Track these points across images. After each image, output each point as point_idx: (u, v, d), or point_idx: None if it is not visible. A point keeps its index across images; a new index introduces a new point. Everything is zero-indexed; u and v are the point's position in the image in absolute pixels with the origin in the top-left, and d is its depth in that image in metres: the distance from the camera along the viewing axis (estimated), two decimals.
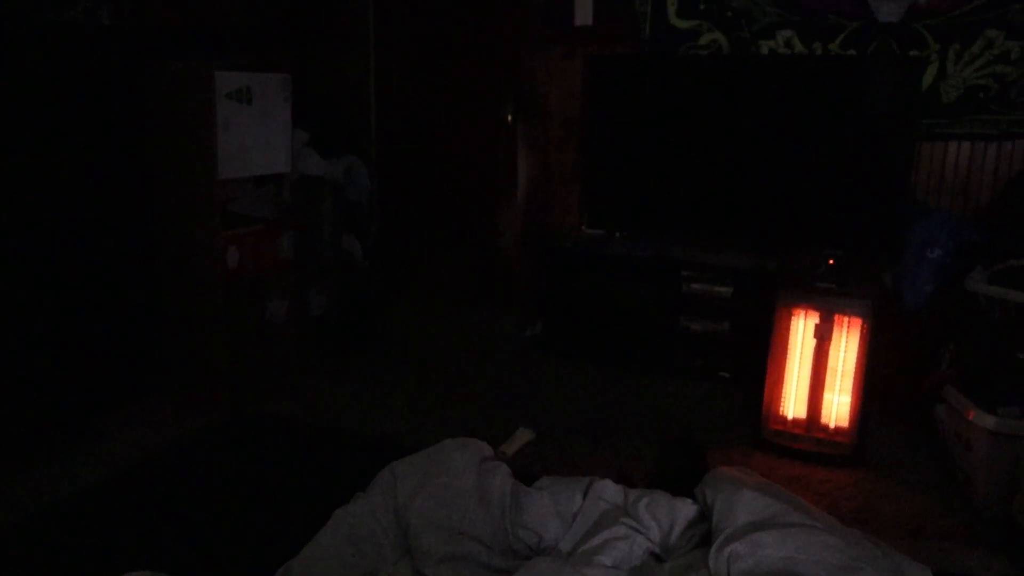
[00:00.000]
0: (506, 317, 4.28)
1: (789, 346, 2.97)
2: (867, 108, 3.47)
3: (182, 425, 3.06)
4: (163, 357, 3.32)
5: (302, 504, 2.15)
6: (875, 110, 3.46)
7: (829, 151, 3.53)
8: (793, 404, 2.98)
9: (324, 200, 3.75)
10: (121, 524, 2.27)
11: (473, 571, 1.57)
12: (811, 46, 3.64)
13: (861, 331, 2.84)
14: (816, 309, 2.90)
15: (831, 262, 2.97)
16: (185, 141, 3.12)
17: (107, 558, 1.63)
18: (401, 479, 1.75)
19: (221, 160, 3.08)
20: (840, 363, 2.91)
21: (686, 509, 1.81)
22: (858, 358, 2.86)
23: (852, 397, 2.87)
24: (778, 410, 2.99)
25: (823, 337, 2.88)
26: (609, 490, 1.85)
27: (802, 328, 2.95)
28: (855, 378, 2.86)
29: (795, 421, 2.97)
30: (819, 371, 2.91)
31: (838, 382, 2.91)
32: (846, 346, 2.89)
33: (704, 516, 1.76)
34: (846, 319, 2.87)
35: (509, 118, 4.26)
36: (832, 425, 2.91)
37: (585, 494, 1.83)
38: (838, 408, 2.91)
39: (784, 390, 2.99)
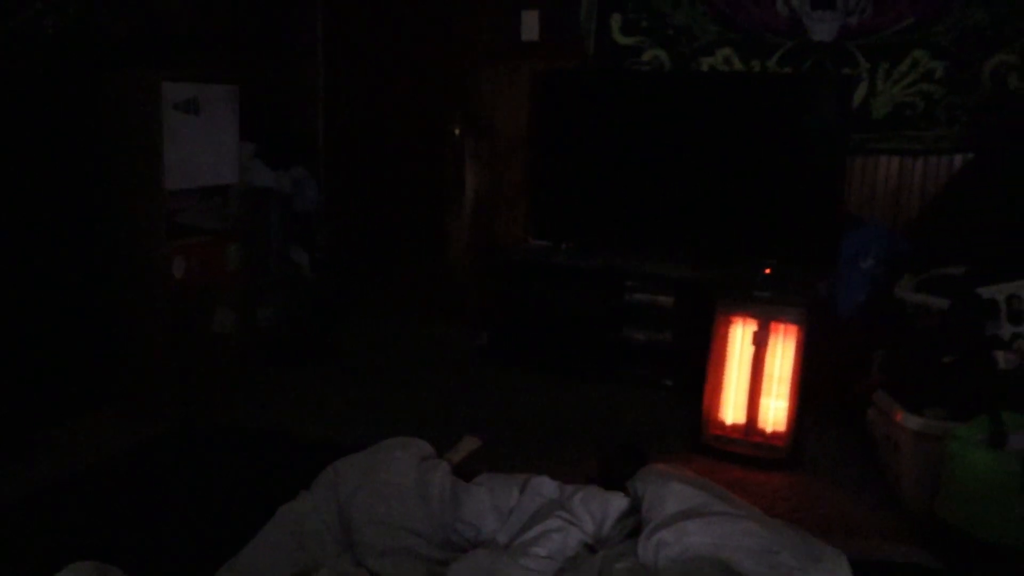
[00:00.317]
0: (454, 328, 4.32)
1: (728, 353, 3.05)
2: (802, 123, 3.60)
3: (130, 436, 3.04)
4: (114, 368, 3.30)
5: (247, 504, 2.17)
6: (810, 125, 3.58)
7: (766, 165, 3.64)
8: (732, 410, 3.05)
9: (272, 211, 3.76)
10: (67, 525, 2.26)
11: (413, 563, 1.61)
12: (749, 63, 3.77)
13: (797, 338, 2.93)
14: (754, 317, 2.99)
15: (768, 272, 3.07)
16: (132, 151, 3.12)
17: (54, 557, 1.64)
18: (343, 477, 1.78)
19: (168, 170, 3.08)
20: (777, 369, 2.99)
21: (618, 502, 1.87)
22: (794, 364, 2.94)
23: (788, 402, 2.95)
24: (717, 416, 3.06)
25: (760, 344, 2.97)
26: (546, 486, 1.90)
27: (740, 336, 3.03)
28: (791, 384, 2.94)
29: (734, 426, 3.04)
30: (756, 377, 2.99)
31: (775, 388, 2.99)
32: (782, 353, 2.97)
33: (635, 508, 1.83)
34: (782, 326, 2.96)
35: (457, 132, 4.32)
36: (769, 429, 2.99)
37: (522, 490, 1.88)
38: (775, 413, 2.99)
39: (723, 396, 3.07)
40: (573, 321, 3.81)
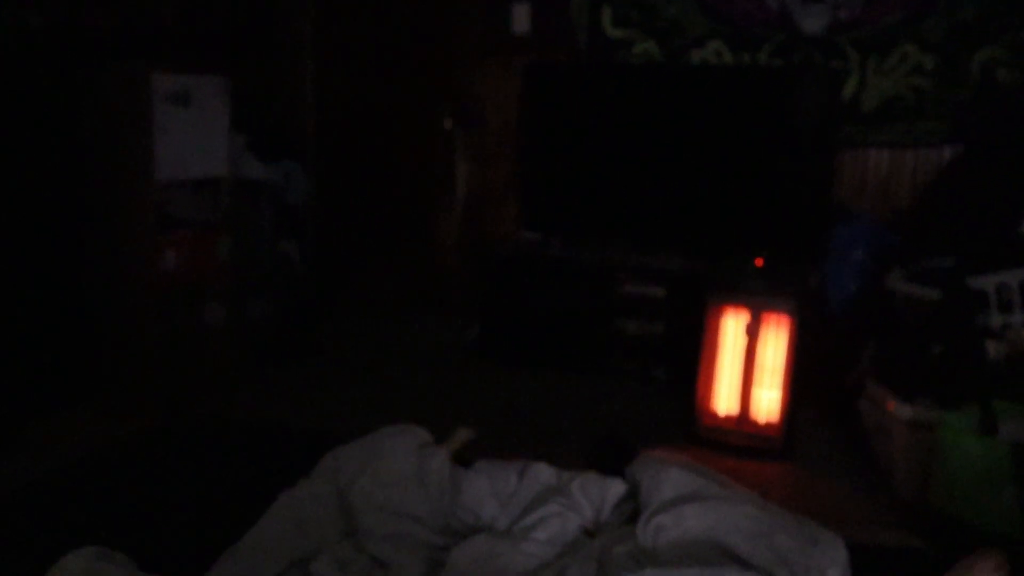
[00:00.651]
0: (445, 322, 4.32)
1: (720, 345, 3.06)
2: (792, 116, 3.61)
3: (118, 430, 3.02)
4: (98, 363, 3.27)
5: (247, 492, 2.17)
6: (800, 118, 3.60)
7: (757, 157, 3.66)
8: (724, 400, 3.07)
9: (262, 204, 3.75)
10: (65, 516, 2.25)
11: (413, 548, 1.61)
12: (739, 56, 3.78)
13: (789, 329, 2.95)
14: (745, 308, 3.00)
15: (759, 263, 3.09)
16: (121, 143, 3.10)
17: (53, 547, 1.64)
18: (343, 464, 1.79)
19: (158, 162, 3.06)
20: (769, 360, 3.00)
21: (616, 488, 1.88)
22: (786, 355, 2.96)
23: (781, 393, 2.97)
24: (710, 407, 3.07)
25: (752, 335, 2.98)
26: (544, 472, 1.91)
27: (732, 327, 3.04)
28: (783, 374, 2.96)
29: (727, 417, 3.05)
30: (749, 368, 3.01)
31: (767, 379, 3.01)
32: (774, 344, 2.99)
33: (633, 494, 1.83)
34: (774, 317, 2.97)
35: (448, 125, 4.31)
36: (762, 420, 3.01)
37: (521, 476, 1.89)
38: (768, 404, 3.00)
39: (716, 387, 3.08)
40: (564, 314, 3.81)
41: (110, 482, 2.47)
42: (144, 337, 3.19)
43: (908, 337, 2.88)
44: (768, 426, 2.99)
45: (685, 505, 1.61)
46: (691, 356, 3.11)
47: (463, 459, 2.22)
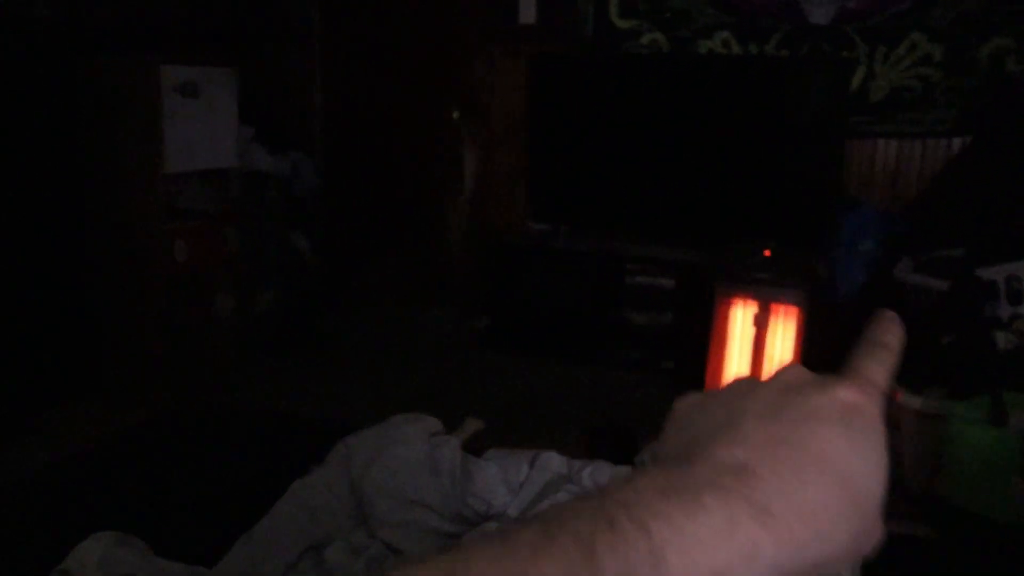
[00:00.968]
0: (453, 312, 4.33)
1: (728, 335, 3.06)
2: (800, 106, 3.61)
3: (127, 420, 3.04)
4: (103, 353, 3.29)
5: (259, 480, 2.19)
6: (808, 108, 3.60)
7: (765, 147, 3.66)
8: None
9: (270, 195, 3.76)
10: (78, 503, 2.27)
11: (425, 536, 1.62)
12: (747, 46, 3.77)
13: (797, 320, 2.95)
14: (754, 299, 3.00)
15: (767, 254, 3.08)
16: (130, 135, 3.11)
17: (67, 533, 1.66)
18: (355, 452, 1.80)
19: (167, 154, 3.07)
20: (777, 351, 3.00)
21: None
22: (794, 346, 2.96)
23: None
24: None
25: (761, 326, 2.98)
26: (554, 461, 1.91)
27: (740, 318, 3.04)
28: None
29: None
30: (757, 359, 3.01)
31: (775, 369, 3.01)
32: (783, 334, 2.99)
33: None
34: (782, 308, 2.97)
35: (455, 115, 4.31)
36: None
37: (532, 464, 1.90)
38: None
39: (724, 378, 3.08)
40: (573, 304, 3.82)
41: (124, 469, 2.50)
42: (153, 328, 3.20)
43: (917, 328, 2.86)
44: None
45: None
46: (699, 347, 3.11)
47: (473, 449, 2.23)
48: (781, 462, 0.37)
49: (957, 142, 3.58)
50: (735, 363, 3.07)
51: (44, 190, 3.14)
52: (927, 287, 2.93)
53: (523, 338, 3.94)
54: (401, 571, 0.33)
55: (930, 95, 3.57)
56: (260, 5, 4.37)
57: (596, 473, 1.88)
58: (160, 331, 3.20)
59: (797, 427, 0.38)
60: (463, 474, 1.81)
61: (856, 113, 3.64)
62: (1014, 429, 2.25)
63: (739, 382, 0.44)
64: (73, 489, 2.39)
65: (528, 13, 4.10)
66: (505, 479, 1.86)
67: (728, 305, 3.05)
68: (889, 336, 0.46)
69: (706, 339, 3.08)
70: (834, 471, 0.37)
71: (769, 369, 2.94)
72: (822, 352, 3.15)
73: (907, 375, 2.66)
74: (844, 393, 0.40)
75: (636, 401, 3.36)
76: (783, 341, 2.99)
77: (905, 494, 2.54)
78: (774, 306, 2.97)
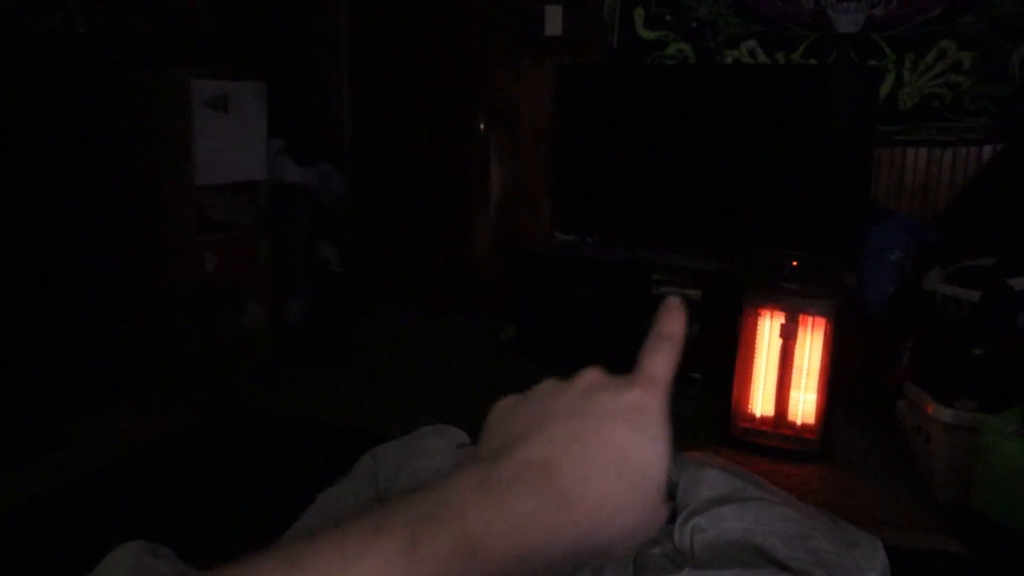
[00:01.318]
0: (480, 322, 4.34)
1: (756, 346, 3.05)
2: (828, 116, 3.59)
3: (158, 428, 3.08)
4: (137, 362, 3.34)
5: (287, 490, 2.21)
6: (836, 117, 3.57)
7: (793, 157, 3.64)
8: (761, 402, 3.05)
9: (300, 207, 3.79)
10: (108, 511, 2.30)
11: None
12: (774, 56, 3.76)
13: (825, 330, 2.93)
14: (782, 310, 2.98)
15: (795, 264, 3.07)
16: (162, 148, 3.16)
17: (100, 541, 1.68)
18: (381, 463, 1.80)
19: (198, 166, 3.12)
20: (805, 362, 2.98)
21: None
22: (823, 357, 2.94)
23: (817, 395, 2.95)
24: (746, 408, 3.06)
25: (789, 337, 2.96)
26: None
27: (768, 328, 3.03)
28: (820, 376, 2.94)
29: (763, 419, 3.04)
30: (785, 370, 2.99)
31: (804, 380, 2.99)
32: (811, 345, 2.97)
33: (670, 495, 1.83)
34: (811, 319, 2.95)
35: (481, 126, 4.34)
36: (799, 422, 2.99)
37: None
38: (804, 405, 2.99)
39: (752, 389, 3.06)
40: (599, 315, 3.82)
41: (152, 478, 2.53)
42: (184, 337, 3.25)
43: (948, 339, 2.85)
44: (804, 428, 2.97)
45: (722, 506, 1.61)
46: (727, 357, 3.10)
47: None
48: (579, 457, 0.43)
49: (988, 150, 3.54)
50: (763, 374, 3.05)
51: (79, 201, 3.20)
52: (958, 297, 2.90)
53: (549, 348, 3.94)
54: (241, 568, 0.38)
55: (960, 103, 3.54)
56: (289, 18, 4.43)
57: None
58: (191, 339, 3.24)
59: (593, 425, 0.44)
60: None
61: (885, 122, 3.61)
62: None
63: (546, 386, 0.51)
64: (104, 497, 2.42)
65: (554, 24, 4.12)
66: None
67: (756, 315, 3.03)
68: (672, 326, 0.54)
69: (733, 350, 3.07)
70: (623, 463, 0.43)
71: (796, 380, 2.93)
72: (850, 363, 3.13)
73: (937, 386, 2.64)
74: (631, 395, 0.47)
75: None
76: (811, 352, 2.97)
77: (936, 508, 2.51)
78: (802, 317, 2.95)
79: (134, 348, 3.34)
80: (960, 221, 3.51)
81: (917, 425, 2.72)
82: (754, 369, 3.06)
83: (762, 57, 3.78)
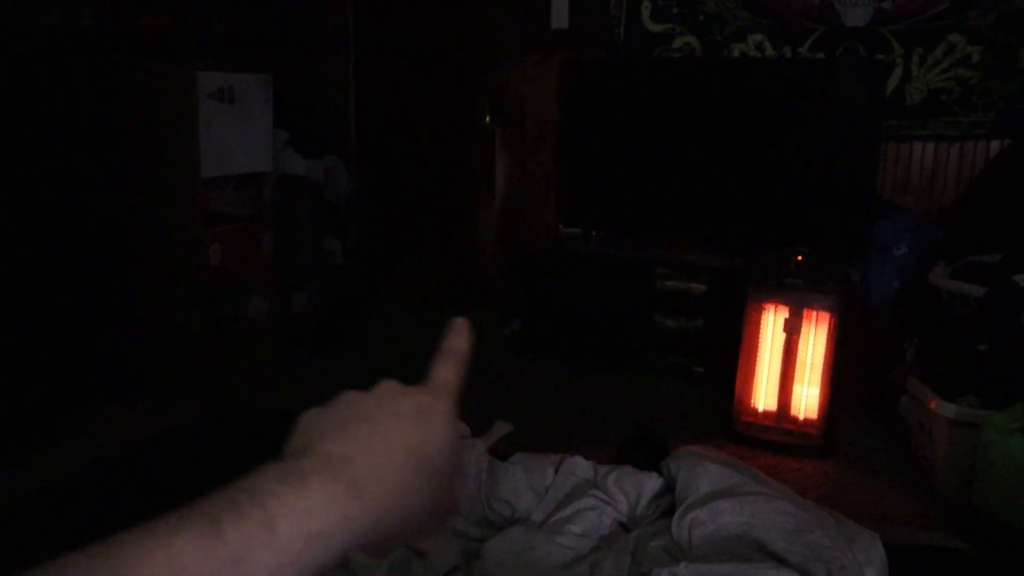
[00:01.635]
0: (484, 316, 4.34)
1: (760, 341, 3.04)
2: (835, 110, 3.57)
3: (163, 422, 3.09)
4: (143, 356, 3.35)
5: None
6: (843, 112, 3.56)
7: (798, 152, 3.62)
8: (764, 397, 3.05)
9: (305, 200, 3.80)
10: (110, 504, 2.32)
11: (450, 539, 1.64)
12: (781, 49, 3.74)
13: (829, 325, 2.92)
14: (785, 304, 2.98)
15: (800, 259, 3.06)
16: (167, 140, 3.16)
17: (107, 532, 1.70)
18: None
19: (203, 158, 3.12)
20: (809, 357, 2.98)
21: (652, 482, 1.89)
22: (826, 352, 2.93)
23: (821, 390, 2.94)
24: (749, 403, 3.06)
25: (792, 331, 2.96)
26: (580, 465, 1.92)
27: (772, 323, 3.02)
28: (823, 371, 2.93)
29: (766, 413, 3.04)
30: (789, 365, 2.99)
31: (807, 375, 2.98)
32: (815, 340, 2.96)
33: (669, 488, 1.84)
34: (815, 314, 2.94)
35: (487, 120, 4.33)
36: (801, 417, 2.98)
37: (557, 469, 1.90)
38: (807, 400, 2.98)
39: (755, 383, 3.06)
40: (604, 309, 3.82)
41: (153, 474, 2.53)
42: (190, 329, 3.26)
43: (952, 334, 2.84)
44: (807, 423, 2.97)
45: (721, 500, 1.61)
46: (730, 352, 3.10)
47: (500, 452, 2.24)
48: (373, 451, 0.48)
49: (995, 145, 3.52)
50: (766, 368, 3.05)
51: (83, 194, 3.21)
52: (963, 293, 2.89)
53: (553, 342, 3.94)
54: (52, 569, 0.41)
55: (968, 98, 3.52)
56: (295, 12, 4.43)
57: (621, 478, 1.88)
58: (196, 332, 3.25)
59: (385, 424, 0.50)
60: (489, 478, 1.83)
61: (892, 116, 3.59)
62: None
63: (346, 396, 0.55)
64: (111, 489, 2.44)
65: (560, 18, 4.11)
66: (530, 483, 1.87)
67: (760, 310, 3.03)
68: (458, 342, 0.62)
69: (737, 344, 3.06)
70: (412, 455, 0.49)
71: (799, 375, 2.93)
72: (854, 358, 3.12)
73: (941, 382, 2.63)
74: (420, 398, 0.54)
75: (666, 406, 3.35)
76: (815, 347, 2.96)
77: (938, 504, 2.51)
78: (806, 312, 2.95)
79: (136, 342, 3.35)
80: (966, 217, 3.49)
81: (920, 421, 2.72)
82: (757, 364, 3.05)
83: (769, 51, 3.76)
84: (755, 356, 3.05)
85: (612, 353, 3.81)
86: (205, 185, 3.19)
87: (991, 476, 2.28)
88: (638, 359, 3.76)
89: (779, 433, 2.98)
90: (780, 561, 1.55)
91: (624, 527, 1.82)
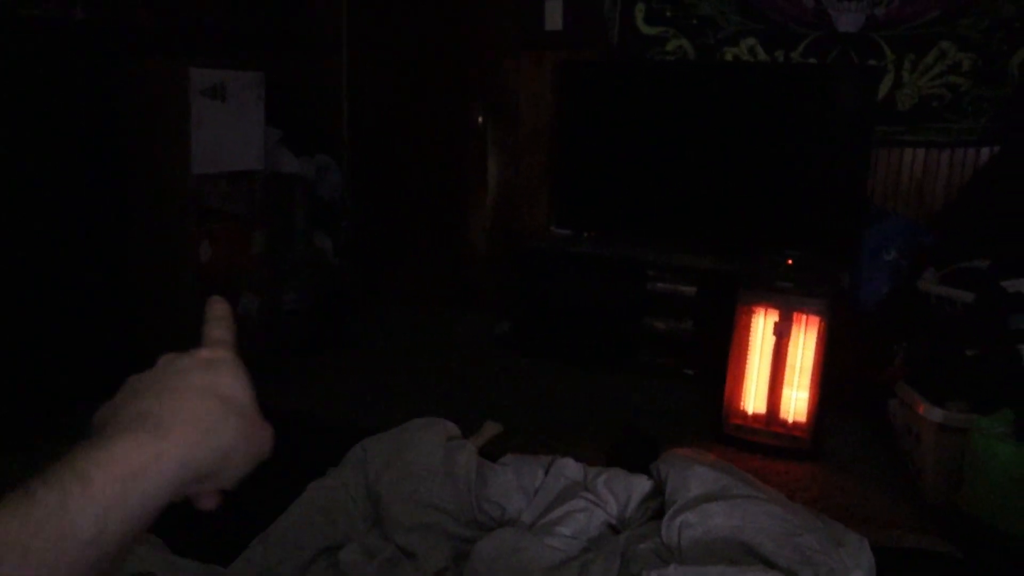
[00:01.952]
0: (475, 316, 4.34)
1: (749, 343, 3.05)
2: (827, 115, 3.59)
3: None
4: (138, 351, 3.33)
5: (276, 480, 2.21)
6: (834, 116, 3.57)
7: (790, 156, 3.64)
8: (753, 400, 3.06)
9: (296, 197, 3.79)
10: None
11: (439, 539, 1.64)
12: (773, 54, 3.75)
13: (819, 329, 2.93)
14: (776, 308, 2.98)
15: (790, 263, 3.07)
16: (159, 136, 3.15)
17: None
18: (372, 455, 1.81)
19: (195, 155, 3.11)
20: (798, 360, 2.99)
21: (642, 484, 1.89)
22: (816, 355, 2.94)
23: (810, 393, 2.95)
24: (738, 405, 3.07)
25: (782, 335, 2.96)
26: (570, 467, 1.93)
27: (762, 326, 3.03)
28: (813, 375, 2.94)
29: (755, 416, 3.04)
30: (778, 368, 2.99)
31: (796, 378, 2.99)
32: (804, 344, 2.97)
33: (658, 491, 1.84)
34: (804, 317, 2.95)
35: (480, 120, 4.33)
36: (790, 420, 2.99)
37: (547, 470, 1.91)
38: (796, 403, 2.99)
39: (744, 386, 3.07)
40: (594, 310, 3.82)
41: None
42: (181, 325, 3.24)
43: (941, 339, 2.85)
44: (796, 426, 2.98)
45: (710, 503, 1.62)
46: (720, 354, 3.10)
47: (490, 453, 2.24)
48: (173, 399, 0.56)
49: (985, 152, 3.54)
50: (756, 371, 3.05)
51: (75, 190, 3.19)
52: (952, 298, 2.90)
53: (544, 342, 3.95)
54: None
55: (959, 104, 3.54)
56: (289, 9, 4.42)
57: (611, 480, 1.89)
58: (188, 328, 3.23)
59: (181, 378, 0.59)
60: (478, 479, 1.83)
61: (883, 122, 3.61)
62: None
63: (131, 378, 0.62)
64: None
65: (554, 19, 4.11)
66: (520, 485, 1.87)
67: (750, 313, 3.04)
68: (219, 308, 0.70)
69: (727, 347, 3.07)
70: (210, 393, 0.58)
71: (789, 378, 2.94)
72: (843, 362, 3.13)
73: (930, 387, 2.64)
74: (201, 354, 0.63)
75: (656, 407, 3.36)
76: (804, 350, 2.97)
77: (925, 508, 2.52)
78: (796, 315, 2.95)
79: (127, 338, 3.33)
80: (955, 223, 3.51)
81: (908, 425, 2.73)
82: (747, 367, 3.06)
83: (762, 55, 3.78)
84: (745, 358, 3.06)
85: (602, 354, 3.81)
86: (197, 182, 3.18)
87: (978, 480, 2.29)
88: (628, 360, 3.76)
89: (768, 436, 2.99)
90: (769, 564, 1.56)
91: (614, 529, 1.82)
